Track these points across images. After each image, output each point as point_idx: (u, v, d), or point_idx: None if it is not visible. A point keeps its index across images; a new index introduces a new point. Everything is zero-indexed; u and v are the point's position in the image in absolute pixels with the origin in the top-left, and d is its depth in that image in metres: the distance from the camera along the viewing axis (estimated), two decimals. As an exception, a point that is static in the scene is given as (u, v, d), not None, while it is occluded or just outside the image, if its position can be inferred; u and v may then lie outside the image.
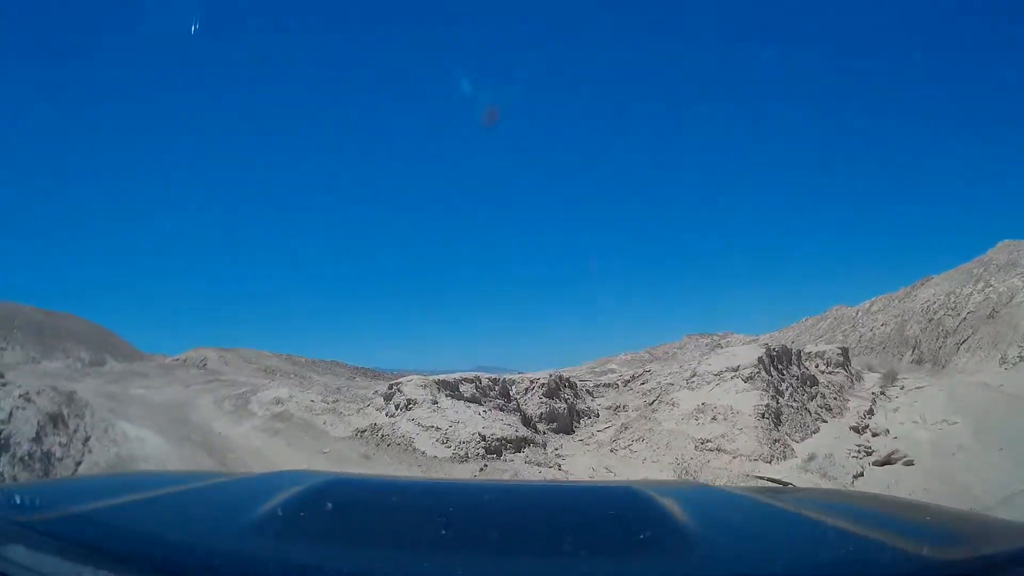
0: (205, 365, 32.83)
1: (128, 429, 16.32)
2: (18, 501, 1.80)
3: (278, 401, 18.89)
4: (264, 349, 38.11)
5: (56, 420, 13.89)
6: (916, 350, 36.26)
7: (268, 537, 1.73)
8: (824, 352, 28.45)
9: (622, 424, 21.70)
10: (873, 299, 36.34)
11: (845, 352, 29.81)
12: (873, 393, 29.15)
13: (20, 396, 13.08)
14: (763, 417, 21.29)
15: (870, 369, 33.30)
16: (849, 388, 29.52)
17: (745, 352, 22.44)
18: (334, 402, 18.93)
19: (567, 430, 20.89)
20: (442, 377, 17.82)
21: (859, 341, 34.73)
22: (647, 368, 26.74)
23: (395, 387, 17.35)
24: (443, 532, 1.83)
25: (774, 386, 22.59)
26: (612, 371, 28.16)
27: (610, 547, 1.74)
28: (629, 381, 25.77)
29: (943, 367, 34.84)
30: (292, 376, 31.14)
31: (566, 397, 20.99)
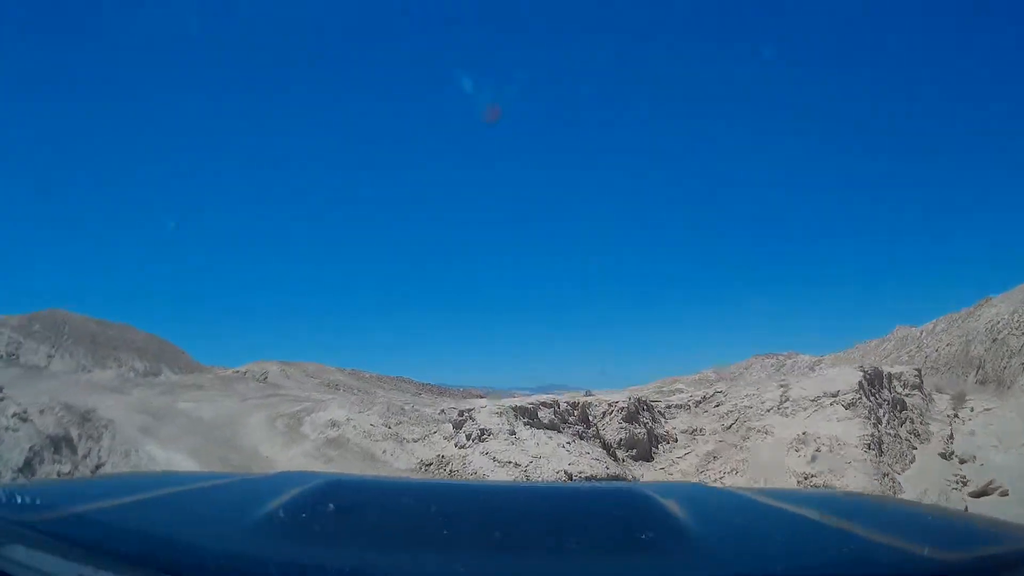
0: (266, 378, 29.82)
1: (156, 452, 13.31)
2: (19, 501, 1.57)
3: (333, 424, 15.46)
4: (329, 363, 34.54)
5: (59, 444, 10.76)
6: (980, 370, 32.45)
7: (269, 537, 1.57)
8: (901, 374, 24.65)
9: (707, 452, 18.07)
10: (937, 319, 32.35)
11: (919, 374, 25.94)
12: (948, 416, 25.70)
13: (14, 415, 9.77)
14: (869, 448, 17.62)
15: (938, 390, 29.50)
16: (927, 411, 25.62)
17: (842, 375, 18.67)
18: (397, 425, 15.46)
19: (646, 457, 17.36)
20: (519, 402, 14.13)
21: (924, 361, 30.86)
22: (718, 389, 22.86)
23: (466, 414, 13.75)
24: (444, 532, 1.66)
25: (874, 413, 18.73)
26: (680, 390, 24.52)
27: (611, 547, 1.58)
28: (700, 402, 22.06)
29: (1008, 387, 31.16)
30: (356, 391, 27.79)
31: (645, 421, 17.24)
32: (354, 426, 15.36)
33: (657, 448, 18.22)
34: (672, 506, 1.89)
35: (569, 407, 15.54)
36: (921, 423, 23.04)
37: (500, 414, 13.56)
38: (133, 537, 1.47)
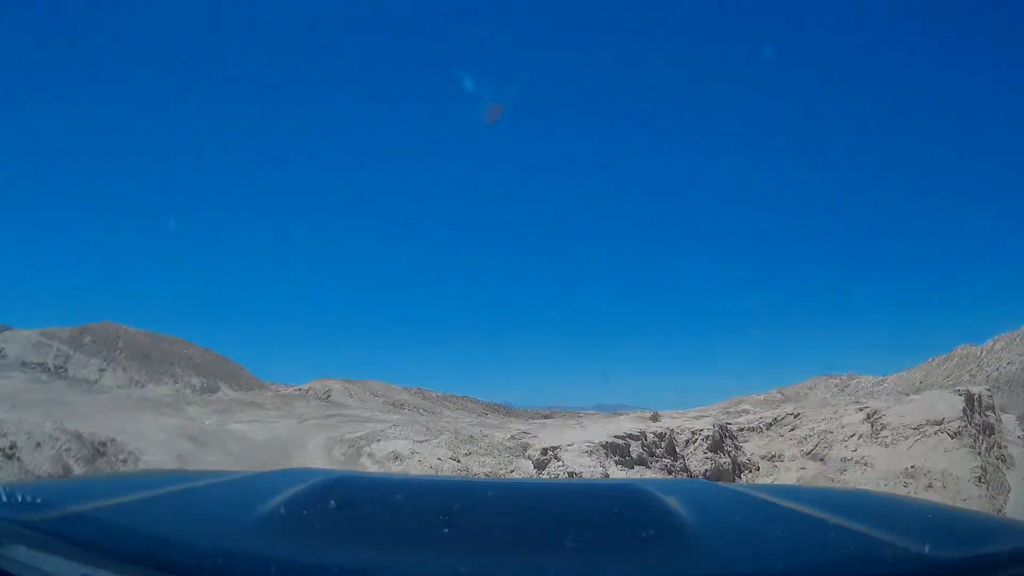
0: (328, 397, 27.43)
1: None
2: (20, 500, 1.45)
3: (396, 457, 13.01)
4: (394, 383, 32.08)
5: (56, 485, 8.01)
6: (1040, 388, 29.02)
7: (271, 535, 1.44)
8: (980, 395, 21.73)
9: (795, 481, 15.40)
10: (996, 337, 29.41)
11: (991, 394, 23.11)
12: (1019, 437, 22.78)
13: (-1, 451, 7.45)
14: (980, 482, 14.82)
15: (1002, 410, 26.39)
16: (1003, 433, 22.64)
17: (942, 401, 15.99)
18: (466, 456, 13.03)
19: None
20: (607, 437, 11.65)
21: (986, 380, 27.83)
22: (789, 411, 20.15)
23: (551, 453, 11.23)
24: (446, 530, 1.49)
25: (977, 441, 15.90)
26: (746, 411, 21.86)
27: (613, 544, 1.45)
28: (772, 424, 19.38)
29: (1066, 405, 27.99)
30: (422, 411, 25.27)
31: (728, 449, 14.57)
32: (419, 460, 12.93)
33: (740, 477, 15.66)
34: (674, 503, 1.69)
35: (656, 438, 13.03)
36: (1003, 447, 20.29)
37: (590, 453, 11.11)
38: (134, 536, 1.34)
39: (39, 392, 19.83)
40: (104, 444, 10.59)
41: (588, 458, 11.24)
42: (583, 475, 10.90)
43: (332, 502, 1.71)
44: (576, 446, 11.46)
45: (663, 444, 13.21)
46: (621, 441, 12.05)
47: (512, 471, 12.55)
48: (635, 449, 12.33)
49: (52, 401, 17.77)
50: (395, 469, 13.03)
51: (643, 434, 13.01)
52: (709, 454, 14.33)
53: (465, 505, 1.79)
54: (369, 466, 13.33)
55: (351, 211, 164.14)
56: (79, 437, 10.11)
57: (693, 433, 14.58)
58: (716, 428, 15.04)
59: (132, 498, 1.66)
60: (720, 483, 2.80)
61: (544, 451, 12.02)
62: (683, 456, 13.62)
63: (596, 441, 11.65)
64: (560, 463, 11.28)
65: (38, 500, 1.48)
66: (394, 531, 1.52)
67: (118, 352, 28.39)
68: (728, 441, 15.64)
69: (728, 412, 22.43)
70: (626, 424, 14.39)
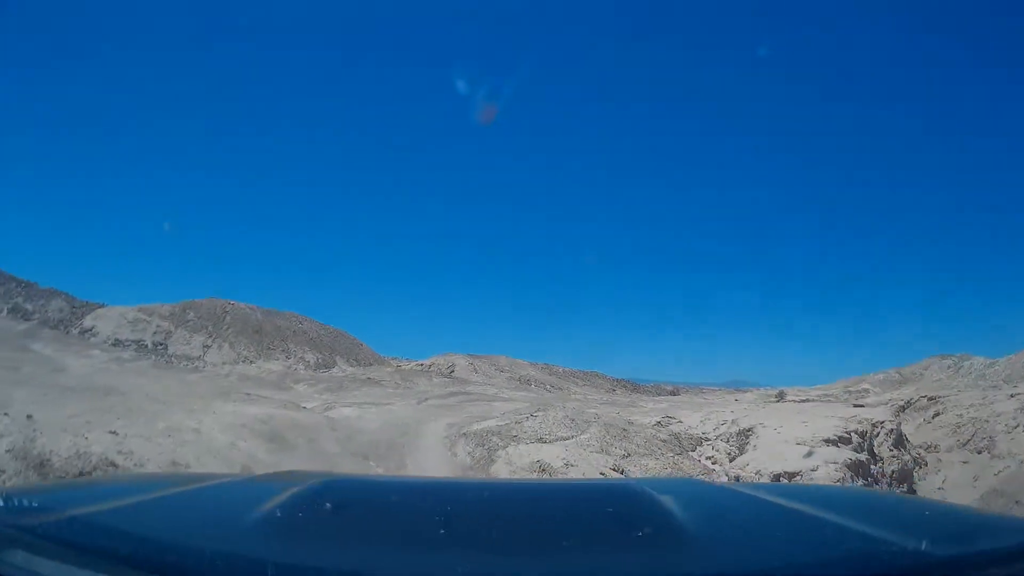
0: (452, 372, 24.92)
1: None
2: (17, 504, 1.36)
3: (542, 468, 10.23)
4: (520, 358, 29.76)
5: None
6: None
7: (267, 538, 1.35)
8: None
9: (990, 492, 12.61)
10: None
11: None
12: None
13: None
14: None
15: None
16: None
17: None
18: (624, 459, 10.54)
19: (910, 489, 12.07)
20: (830, 447, 9.11)
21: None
22: (924, 394, 17.36)
23: (786, 478, 8.72)
24: (441, 531, 1.39)
25: None
26: (866, 391, 19.04)
27: (609, 544, 1.35)
28: (905, 408, 16.55)
29: None
30: (549, 388, 22.95)
31: (906, 444, 11.91)
32: (577, 472, 10.30)
33: (914, 475, 13.03)
34: (669, 502, 1.59)
35: (859, 439, 10.48)
36: None
37: (839, 481, 8.51)
38: (132, 540, 1.24)
39: (109, 375, 16.76)
40: (89, 474, 6.70)
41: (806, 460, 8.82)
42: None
43: (328, 504, 1.58)
44: (822, 471, 8.86)
45: (865, 445, 10.77)
46: (864, 457, 9.51)
47: (702, 474, 10.12)
48: (849, 454, 9.92)
49: (107, 388, 13.68)
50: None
51: (849, 435, 10.58)
52: (895, 451, 11.84)
53: (461, 506, 1.65)
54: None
55: (475, 192, 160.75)
56: (41, 466, 6.43)
57: (873, 426, 12.07)
58: (897, 423, 12.48)
59: (130, 501, 1.55)
60: (714, 482, 3.00)
61: (776, 478, 9.48)
62: (881, 459, 11.15)
63: (840, 461, 9.13)
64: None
65: (36, 504, 1.40)
66: (391, 533, 1.41)
67: (225, 328, 26.40)
68: (903, 434, 13.08)
69: (850, 391, 19.88)
70: (814, 420, 11.91)
